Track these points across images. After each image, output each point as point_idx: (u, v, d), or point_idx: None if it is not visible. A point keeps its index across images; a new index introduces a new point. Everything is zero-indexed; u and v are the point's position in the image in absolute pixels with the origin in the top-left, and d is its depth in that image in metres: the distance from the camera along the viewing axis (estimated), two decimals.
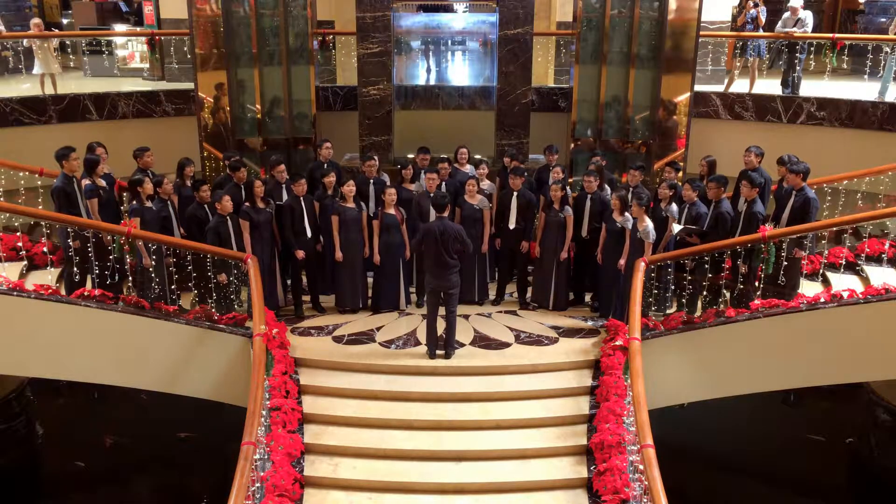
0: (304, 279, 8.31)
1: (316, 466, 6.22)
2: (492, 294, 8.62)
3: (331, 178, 8.24)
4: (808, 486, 9.14)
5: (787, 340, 7.18)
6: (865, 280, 8.29)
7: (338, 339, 7.58)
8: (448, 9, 10.53)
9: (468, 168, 8.97)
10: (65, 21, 18.48)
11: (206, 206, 7.85)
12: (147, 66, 13.40)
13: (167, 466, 9.22)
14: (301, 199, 7.94)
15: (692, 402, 7.85)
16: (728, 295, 7.91)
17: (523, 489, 6.10)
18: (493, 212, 8.40)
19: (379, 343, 7.51)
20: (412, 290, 8.46)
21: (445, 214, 7.21)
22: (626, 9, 9.88)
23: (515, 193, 8.19)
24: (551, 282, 8.23)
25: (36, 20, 11.95)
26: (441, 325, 7.28)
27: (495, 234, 8.43)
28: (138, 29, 14.93)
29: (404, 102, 10.36)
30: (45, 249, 8.38)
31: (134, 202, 7.73)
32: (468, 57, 10.92)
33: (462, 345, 7.45)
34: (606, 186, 8.41)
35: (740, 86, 11.67)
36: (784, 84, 11.29)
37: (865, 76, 11.19)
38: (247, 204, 7.78)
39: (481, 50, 10.63)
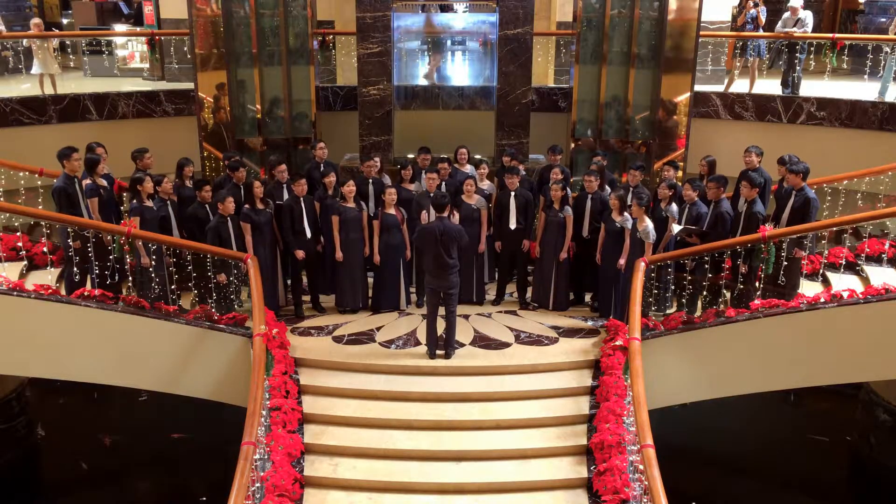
0: (305, 279, 8.31)
1: (316, 466, 6.22)
2: (492, 294, 8.63)
3: (331, 178, 8.24)
4: (809, 486, 9.14)
5: (786, 340, 7.19)
6: (865, 280, 8.29)
7: (338, 339, 7.58)
8: (448, 9, 10.53)
9: (468, 168, 8.98)
10: (65, 21, 18.49)
11: (206, 205, 7.85)
12: (147, 66, 13.41)
13: (167, 466, 9.23)
14: (301, 199, 7.94)
15: (692, 402, 7.85)
16: (728, 295, 7.91)
17: (523, 489, 6.10)
18: (491, 212, 8.39)
19: (379, 343, 7.51)
20: (412, 290, 8.47)
21: (445, 214, 7.21)
22: (626, 9, 9.89)
23: (513, 193, 8.19)
24: (551, 282, 8.24)
25: (36, 20, 11.95)
26: (441, 325, 7.28)
27: (495, 235, 8.42)
28: (138, 29, 14.93)
29: (404, 102, 10.37)
30: (45, 249, 8.38)
31: (134, 201, 7.73)
32: (468, 57, 10.93)
33: (462, 345, 7.45)
34: (607, 187, 8.41)
35: (740, 86, 11.67)
36: (784, 84, 11.30)
37: (865, 76, 11.20)
38: (247, 206, 7.77)
39: (481, 50, 10.64)
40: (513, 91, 9.72)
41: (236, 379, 7.01)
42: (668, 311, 7.99)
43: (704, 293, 7.82)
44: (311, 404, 6.73)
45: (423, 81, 10.74)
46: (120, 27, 15.33)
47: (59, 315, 6.97)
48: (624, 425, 6.19)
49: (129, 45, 14.09)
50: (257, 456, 5.59)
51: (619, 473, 5.76)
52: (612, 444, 6.02)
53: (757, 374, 7.34)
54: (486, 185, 8.65)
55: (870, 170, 9.17)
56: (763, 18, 12.44)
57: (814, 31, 11.68)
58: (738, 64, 11.86)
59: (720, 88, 11.65)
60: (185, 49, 11.39)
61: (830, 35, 11.90)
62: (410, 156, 9.44)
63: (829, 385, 8.61)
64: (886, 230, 9.06)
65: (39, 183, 9.02)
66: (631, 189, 8.13)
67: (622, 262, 7.70)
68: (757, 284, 7.51)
